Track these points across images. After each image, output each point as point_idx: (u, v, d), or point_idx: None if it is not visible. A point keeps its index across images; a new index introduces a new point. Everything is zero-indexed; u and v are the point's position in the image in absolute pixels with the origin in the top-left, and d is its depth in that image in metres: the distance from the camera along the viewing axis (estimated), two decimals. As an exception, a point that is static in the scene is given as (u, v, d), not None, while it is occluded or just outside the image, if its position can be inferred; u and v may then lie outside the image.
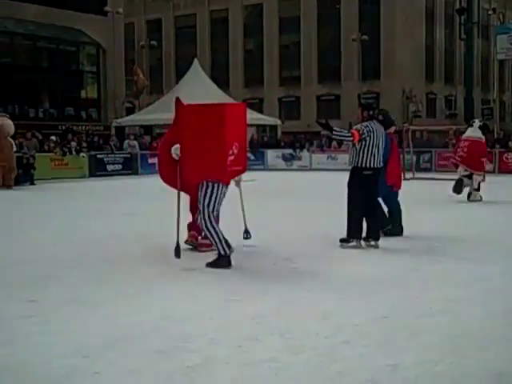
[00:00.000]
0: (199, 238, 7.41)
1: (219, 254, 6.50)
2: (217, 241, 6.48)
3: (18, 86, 31.80)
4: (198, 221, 6.72)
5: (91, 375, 3.57)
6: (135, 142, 25.25)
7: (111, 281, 5.98)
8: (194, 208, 7.24)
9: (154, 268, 6.56)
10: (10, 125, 18.31)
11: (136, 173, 23.49)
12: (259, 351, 3.95)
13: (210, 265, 6.47)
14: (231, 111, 6.96)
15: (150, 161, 22.99)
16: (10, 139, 18.45)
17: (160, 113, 26.28)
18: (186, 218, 7.31)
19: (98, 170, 23.12)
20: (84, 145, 23.85)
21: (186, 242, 7.41)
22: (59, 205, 13.97)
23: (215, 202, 6.62)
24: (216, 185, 6.62)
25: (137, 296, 5.37)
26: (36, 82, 32.61)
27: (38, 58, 34.19)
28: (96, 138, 26.02)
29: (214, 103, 7.05)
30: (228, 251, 6.46)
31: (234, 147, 6.67)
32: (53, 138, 23.42)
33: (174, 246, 6.69)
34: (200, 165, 6.63)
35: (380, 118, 8.05)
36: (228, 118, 6.67)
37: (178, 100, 6.97)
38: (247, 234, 7.78)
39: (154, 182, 7.19)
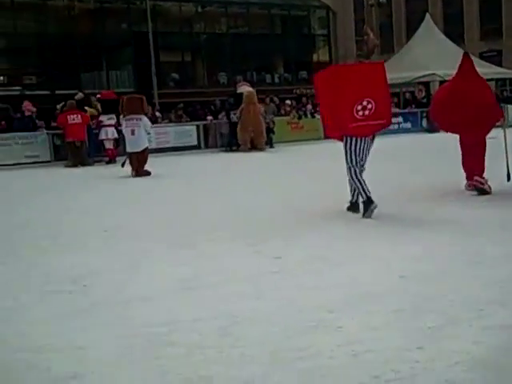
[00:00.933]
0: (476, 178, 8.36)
1: (364, 201, 7.22)
2: (360, 190, 7.22)
3: (255, 53, 33.33)
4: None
5: (335, 329, 3.74)
6: (367, 103, 25.11)
7: (350, 240, 6.15)
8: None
9: (393, 225, 6.71)
10: (253, 91, 19.50)
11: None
12: (503, 316, 3.83)
13: (365, 214, 7.13)
14: (348, 71, 7.75)
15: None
16: (258, 105, 19.63)
17: (392, 72, 25.79)
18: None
19: (332, 132, 23.52)
20: (318, 108, 24.37)
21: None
22: (297, 165, 14.69)
23: (356, 153, 7.29)
24: (348, 138, 7.32)
25: (377, 256, 5.45)
26: (270, 48, 33.87)
27: (272, 25, 35.42)
28: (329, 101, 26.39)
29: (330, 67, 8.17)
30: (369, 194, 7.15)
31: (365, 102, 7.15)
32: (288, 101, 24.29)
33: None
34: (333, 122, 7.63)
35: None
36: (344, 77, 7.35)
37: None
38: (509, 177, 8.21)
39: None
